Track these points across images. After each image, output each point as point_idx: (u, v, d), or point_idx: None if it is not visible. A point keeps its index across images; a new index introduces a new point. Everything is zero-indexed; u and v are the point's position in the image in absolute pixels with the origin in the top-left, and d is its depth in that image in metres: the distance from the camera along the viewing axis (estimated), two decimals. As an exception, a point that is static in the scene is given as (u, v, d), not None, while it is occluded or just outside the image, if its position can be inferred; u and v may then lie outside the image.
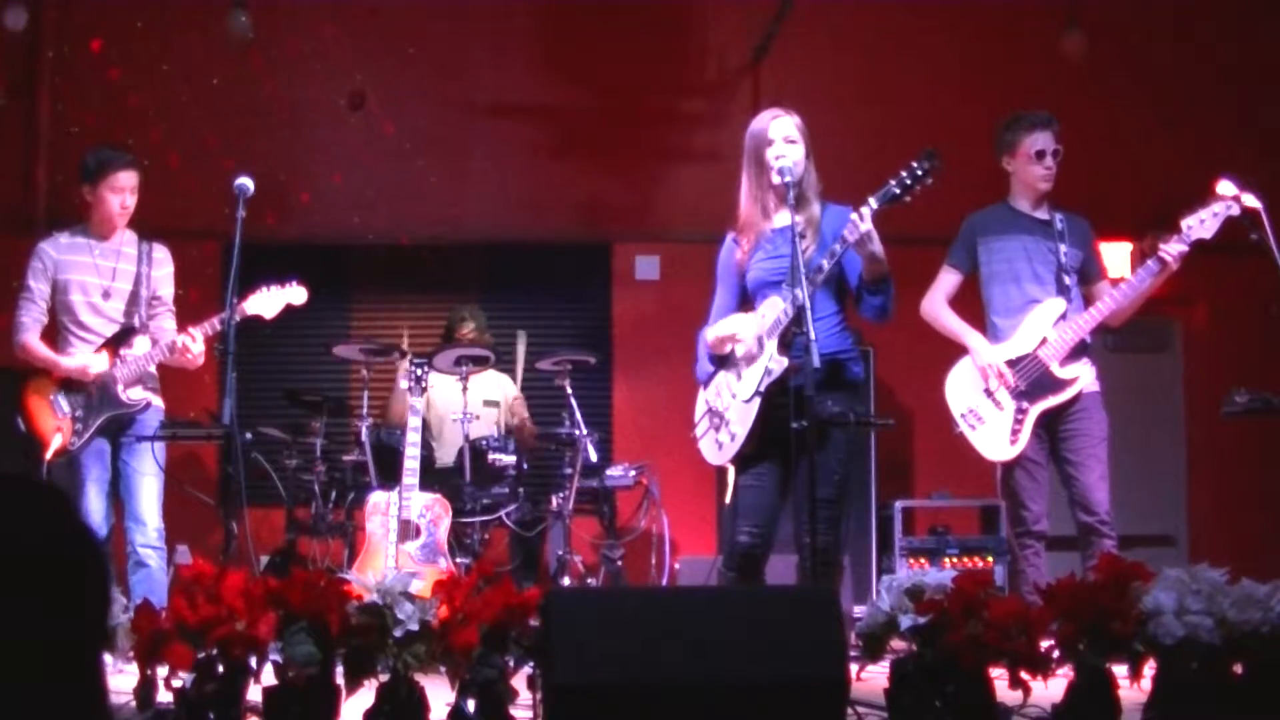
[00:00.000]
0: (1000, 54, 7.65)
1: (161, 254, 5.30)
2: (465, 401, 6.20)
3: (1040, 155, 5.11)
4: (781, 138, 4.18)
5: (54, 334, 5.19)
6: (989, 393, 5.03)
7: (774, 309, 4.11)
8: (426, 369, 6.04)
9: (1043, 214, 5.15)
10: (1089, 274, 5.17)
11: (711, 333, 4.31)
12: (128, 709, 3.18)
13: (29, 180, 7.63)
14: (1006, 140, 5.20)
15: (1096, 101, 7.44)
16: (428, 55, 7.73)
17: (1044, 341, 4.99)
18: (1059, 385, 4.98)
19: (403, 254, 7.75)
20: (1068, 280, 5.04)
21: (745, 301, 4.35)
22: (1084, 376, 5.00)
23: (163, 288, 5.27)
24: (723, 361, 4.32)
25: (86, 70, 7.61)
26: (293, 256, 6.74)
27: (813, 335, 3.75)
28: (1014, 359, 5.02)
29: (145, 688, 3.18)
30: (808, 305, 3.81)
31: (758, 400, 4.12)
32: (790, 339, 4.00)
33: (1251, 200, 4.80)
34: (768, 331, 4.12)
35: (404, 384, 6.06)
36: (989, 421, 5.03)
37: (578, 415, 6.37)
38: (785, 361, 4.04)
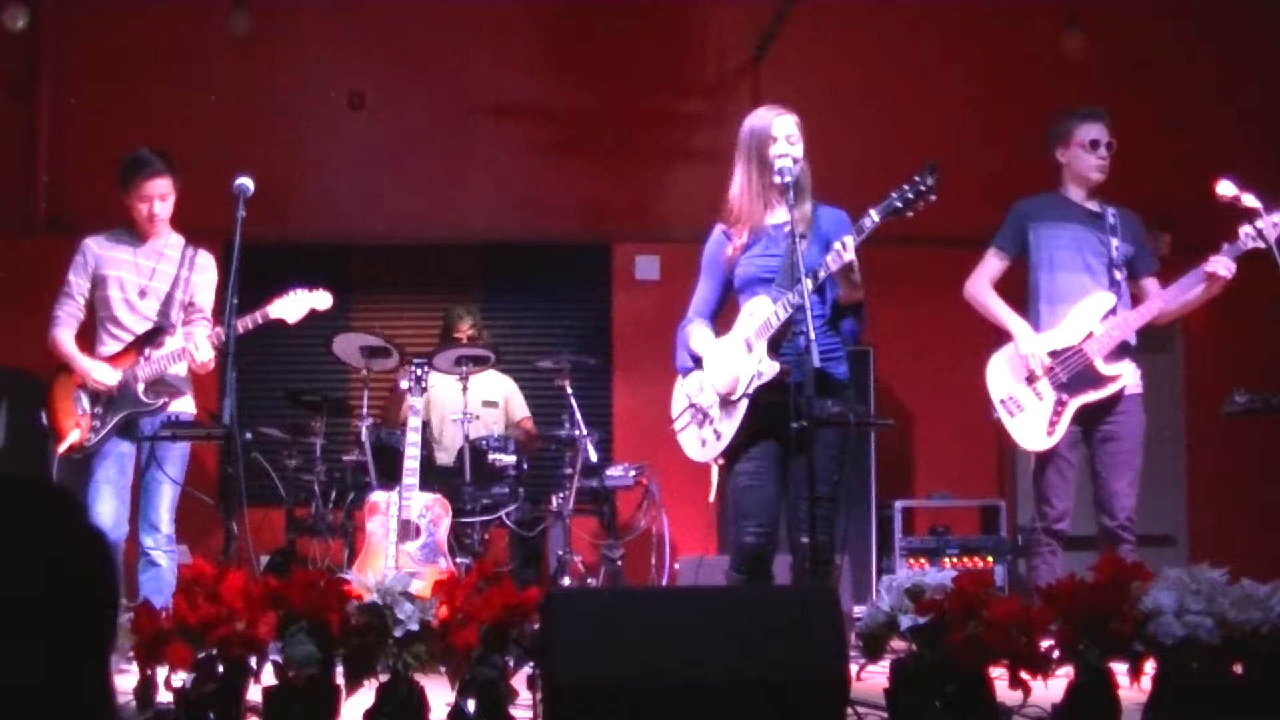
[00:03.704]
0: (1000, 54, 7.65)
1: (205, 260, 5.30)
2: (465, 401, 6.20)
3: (1094, 145, 5.10)
4: (784, 135, 4.18)
5: (93, 330, 5.22)
6: (1030, 381, 5.01)
7: (763, 309, 4.11)
8: (426, 369, 6.05)
9: (1094, 206, 5.14)
10: (1139, 268, 5.13)
11: (695, 345, 4.31)
12: (128, 709, 3.18)
13: (29, 180, 7.62)
14: (1060, 131, 5.18)
15: (1096, 101, 7.41)
16: (428, 55, 7.72)
17: (1090, 335, 4.97)
18: (1101, 381, 4.96)
19: (403, 254, 7.75)
20: (1118, 275, 5.03)
21: (729, 295, 4.34)
22: (1126, 375, 4.98)
23: (200, 294, 5.26)
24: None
25: (86, 70, 7.61)
26: (293, 256, 6.76)
27: (812, 335, 3.75)
28: (1058, 350, 5.00)
29: (145, 688, 3.19)
30: (807, 305, 3.82)
31: (745, 401, 4.12)
32: (781, 340, 4.00)
33: (1251, 200, 4.80)
34: (757, 333, 4.12)
35: (404, 384, 6.06)
36: (1028, 410, 5.00)
37: (578, 415, 6.37)
38: (776, 366, 4.04)
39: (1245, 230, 4.77)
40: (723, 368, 4.19)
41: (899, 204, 3.93)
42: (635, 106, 7.89)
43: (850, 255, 3.90)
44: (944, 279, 7.36)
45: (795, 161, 4.14)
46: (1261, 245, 4.77)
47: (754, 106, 4.54)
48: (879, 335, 6.02)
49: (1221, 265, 4.80)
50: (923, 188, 3.90)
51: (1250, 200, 4.79)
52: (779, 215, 4.18)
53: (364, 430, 6.21)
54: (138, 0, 7.49)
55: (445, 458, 6.64)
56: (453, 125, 7.82)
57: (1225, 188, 4.82)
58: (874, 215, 3.94)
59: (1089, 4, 7.32)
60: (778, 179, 4.09)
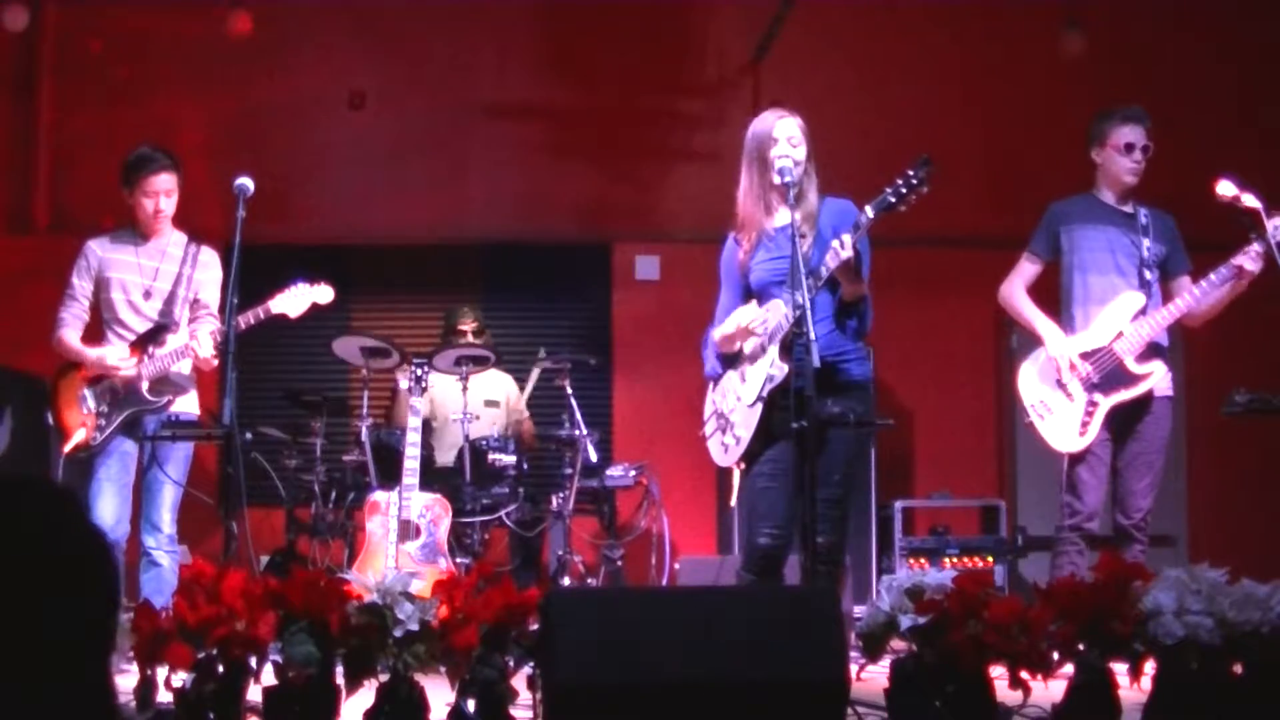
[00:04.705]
0: (1000, 54, 7.65)
1: (208, 257, 5.28)
2: (465, 401, 6.20)
3: (1129, 148, 5.10)
4: (785, 138, 4.18)
5: (99, 332, 5.22)
6: (1061, 384, 5.02)
7: (776, 312, 4.12)
8: (426, 369, 6.04)
9: (1127, 208, 5.14)
10: (1173, 269, 5.13)
11: (719, 331, 4.32)
12: (128, 709, 3.18)
13: (29, 180, 7.63)
14: (1096, 132, 5.18)
15: (1096, 101, 7.40)
16: (428, 55, 7.73)
17: (1120, 335, 4.99)
18: (1132, 380, 4.98)
19: (403, 254, 7.75)
20: (1149, 275, 5.04)
21: (750, 301, 4.35)
22: (1157, 373, 5.00)
23: (204, 291, 5.24)
24: (730, 362, 4.33)
25: (86, 70, 7.61)
26: (293, 256, 6.75)
27: (813, 336, 3.75)
28: (1088, 351, 5.02)
29: (145, 688, 3.18)
30: (808, 306, 3.82)
31: (760, 405, 4.13)
32: (790, 341, 4.01)
33: (1251, 200, 4.80)
34: (770, 336, 4.12)
35: (404, 384, 6.06)
36: (1058, 412, 5.02)
37: (578, 415, 6.37)
38: (786, 367, 4.04)
39: (1275, 222, 4.75)
40: (755, 311, 4.20)
41: (892, 199, 3.93)
42: (635, 106, 7.89)
43: (848, 253, 3.90)
44: (944, 279, 7.41)
45: (797, 163, 4.14)
46: (1232, 203, 4.78)
47: (754, 107, 4.55)
48: (879, 335, 6.00)
49: (1249, 259, 4.81)
50: (915, 181, 3.90)
51: (1250, 200, 4.79)
52: (782, 217, 4.18)
53: (364, 430, 6.20)
54: (138, 0, 7.49)
55: (445, 458, 6.64)
56: (453, 125, 7.82)
57: (1225, 188, 4.82)
58: (869, 211, 3.95)
59: (1089, 4, 7.31)
60: (778, 179, 4.10)
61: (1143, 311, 5.01)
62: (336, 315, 7.44)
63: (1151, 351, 5.02)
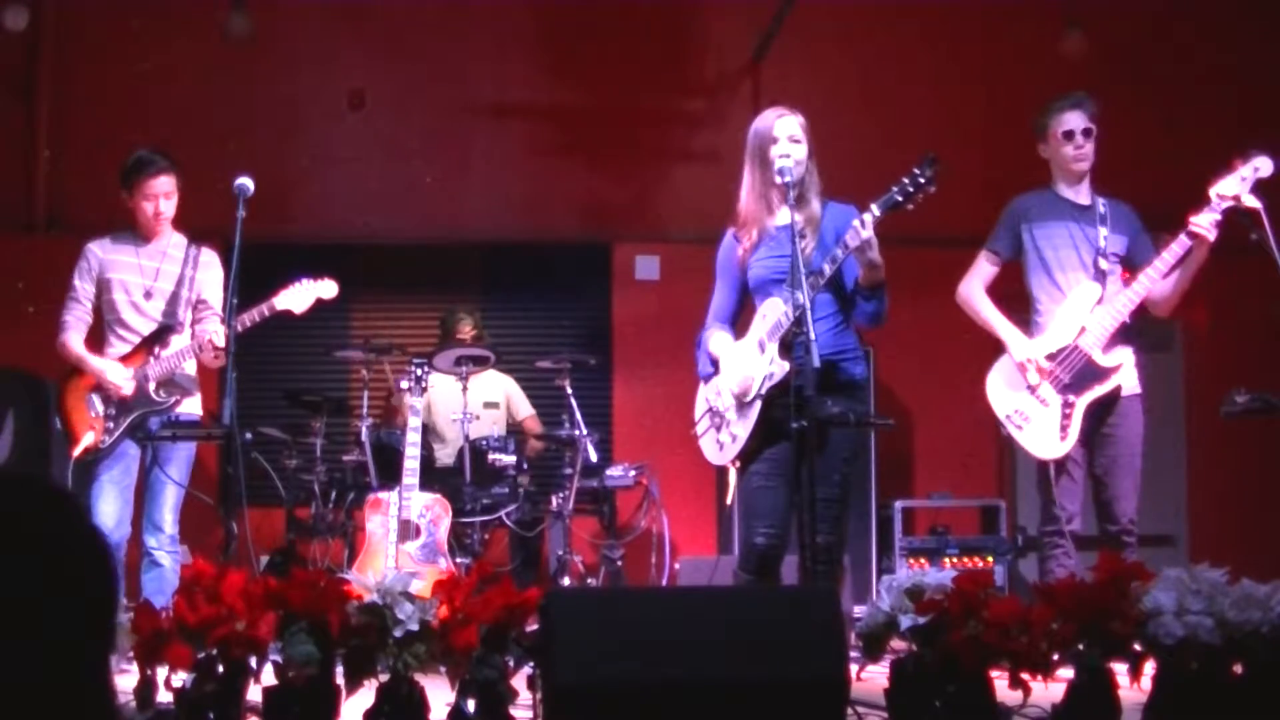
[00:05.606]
0: (1000, 54, 7.64)
1: (209, 257, 5.32)
2: (465, 402, 6.21)
3: (1069, 135, 5.01)
4: (786, 136, 4.18)
5: (101, 333, 5.23)
6: (1032, 390, 4.88)
7: (775, 310, 4.12)
8: (426, 369, 6.05)
9: (1085, 199, 5.04)
10: (1138, 259, 4.98)
11: (714, 348, 4.31)
12: (128, 709, 3.18)
13: (29, 180, 7.62)
14: (1039, 125, 5.09)
15: (1096, 102, 7.44)
16: (428, 55, 7.72)
17: (1083, 330, 4.87)
18: (1103, 374, 4.85)
19: (403, 254, 7.75)
20: (1104, 265, 4.93)
21: (746, 298, 4.35)
22: (1126, 363, 4.88)
23: (207, 291, 5.27)
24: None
25: (86, 70, 7.61)
26: (293, 256, 6.74)
27: (813, 335, 3.76)
28: (1054, 352, 4.89)
29: (145, 688, 3.19)
30: (808, 306, 3.82)
31: (759, 403, 4.13)
32: (791, 340, 4.01)
33: (1251, 200, 4.77)
34: (768, 334, 4.13)
35: (404, 384, 6.06)
36: (1035, 420, 4.87)
37: (578, 415, 6.37)
38: (787, 366, 4.04)
39: (1215, 190, 4.72)
40: (736, 370, 4.19)
41: (899, 197, 3.93)
42: (635, 106, 7.88)
43: (867, 233, 3.90)
44: (944, 279, 7.35)
45: (797, 162, 4.14)
46: (1233, 203, 4.72)
47: (754, 106, 4.55)
48: (879, 335, 6.01)
49: (1203, 225, 4.71)
50: (922, 180, 3.90)
51: (1250, 200, 4.77)
52: (784, 216, 4.18)
53: (364, 430, 6.21)
54: (138, 0, 7.49)
55: (445, 458, 6.64)
56: (453, 125, 7.82)
57: (1225, 186, 4.81)
58: (875, 209, 3.94)
59: (1089, 4, 7.31)
60: (778, 179, 4.10)
61: (1100, 302, 4.90)
62: (337, 315, 7.47)
63: (1118, 339, 4.89)
